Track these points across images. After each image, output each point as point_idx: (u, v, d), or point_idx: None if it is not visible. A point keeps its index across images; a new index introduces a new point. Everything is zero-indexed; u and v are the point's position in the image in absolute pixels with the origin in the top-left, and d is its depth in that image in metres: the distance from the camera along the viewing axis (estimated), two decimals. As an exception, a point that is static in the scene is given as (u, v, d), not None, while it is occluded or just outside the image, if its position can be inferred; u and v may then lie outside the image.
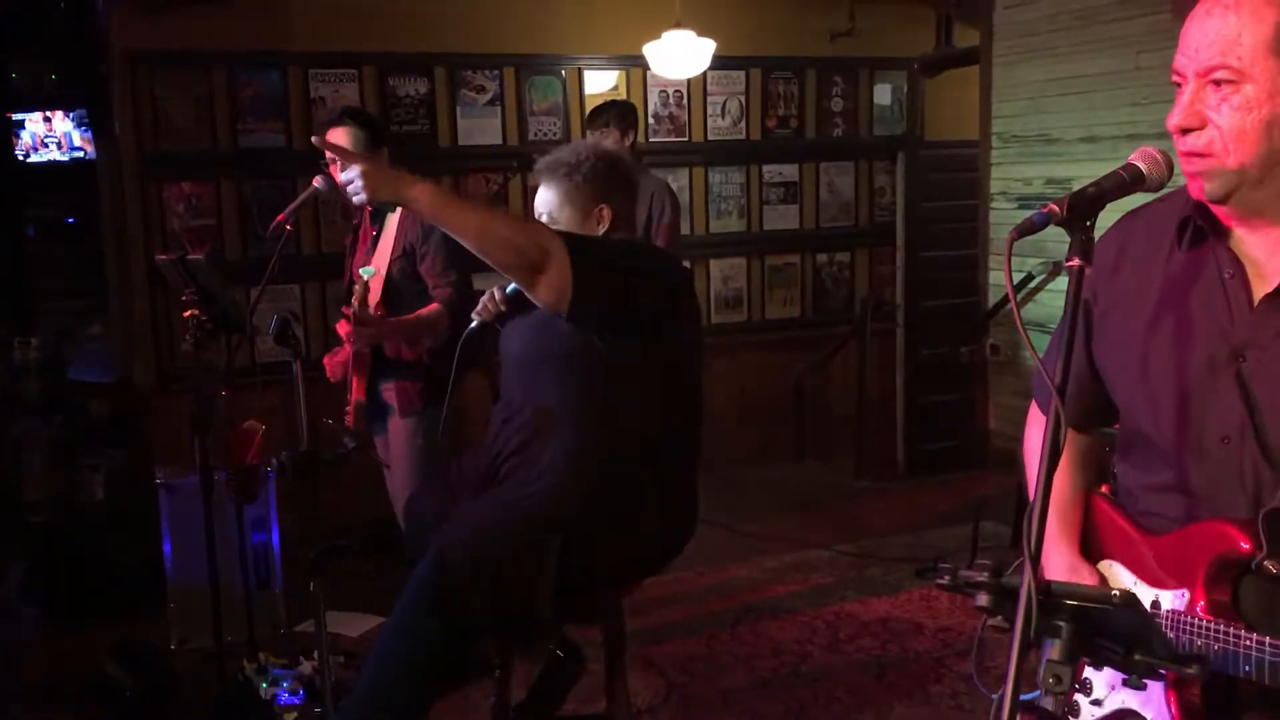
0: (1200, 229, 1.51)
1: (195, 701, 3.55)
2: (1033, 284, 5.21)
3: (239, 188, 5.21)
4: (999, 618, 1.34)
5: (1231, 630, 1.44)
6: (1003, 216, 5.37)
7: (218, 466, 3.39)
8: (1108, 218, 1.49)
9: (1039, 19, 5.04)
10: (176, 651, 3.94)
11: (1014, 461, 5.02)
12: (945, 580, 1.38)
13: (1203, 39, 1.40)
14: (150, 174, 5.07)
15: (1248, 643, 1.41)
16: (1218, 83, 1.39)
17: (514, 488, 2.58)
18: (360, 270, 3.36)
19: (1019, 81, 5.21)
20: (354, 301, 3.21)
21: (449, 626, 2.42)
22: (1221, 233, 1.51)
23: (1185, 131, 1.42)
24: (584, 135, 4.70)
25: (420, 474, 3.54)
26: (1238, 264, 1.49)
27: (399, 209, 3.60)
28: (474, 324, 2.75)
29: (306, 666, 3.57)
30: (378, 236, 3.65)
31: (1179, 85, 1.44)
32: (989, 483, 5.43)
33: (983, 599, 1.33)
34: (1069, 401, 1.68)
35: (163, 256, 3.42)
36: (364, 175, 2.30)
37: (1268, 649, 1.39)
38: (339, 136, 3.57)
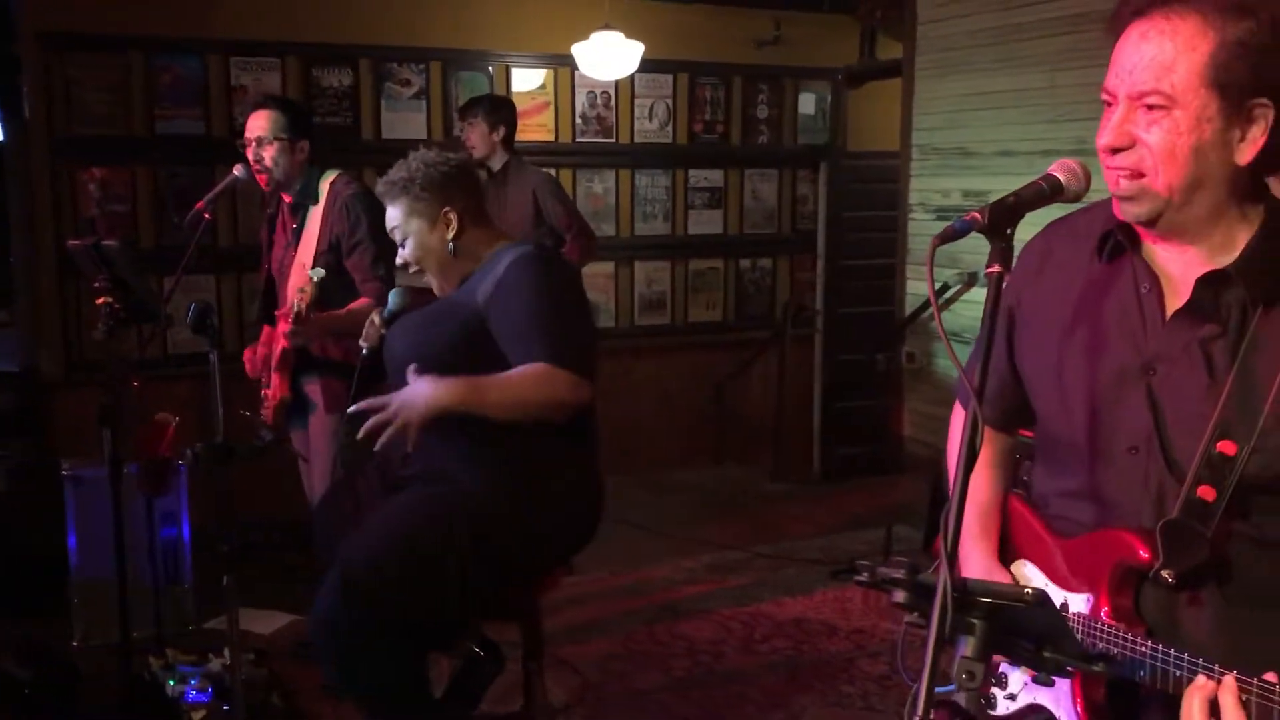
0: (1120, 243, 1.55)
1: (99, 699, 3.45)
2: (948, 294, 5.32)
3: (155, 175, 5.10)
4: (915, 614, 1.37)
5: (1131, 636, 1.48)
6: (920, 227, 5.48)
7: (128, 458, 3.30)
8: (1025, 227, 1.53)
9: (960, 34, 5.16)
10: (80, 648, 3.84)
11: (927, 467, 5.13)
12: (864, 578, 1.40)
13: (1137, 62, 1.42)
14: (62, 159, 4.94)
15: (1143, 649, 1.46)
16: (1149, 106, 1.42)
17: (417, 490, 2.58)
18: (309, 271, 3.30)
19: (939, 95, 5.32)
20: (298, 301, 3.15)
21: (374, 643, 2.43)
22: (1141, 247, 1.55)
23: (1114, 151, 1.45)
24: (487, 130, 4.68)
25: (338, 470, 3.50)
26: (1154, 278, 1.53)
27: (321, 200, 3.55)
28: (364, 350, 2.84)
29: (216, 664, 3.51)
30: (299, 229, 3.59)
31: (1108, 104, 1.46)
32: (902, 488, 5.53)
33: (900, 596, 1.36)
34: (991, 403, 1.73)
35: (75, 242, 3.33)
36: (399, 413, 2.34)
37: (1160, 656, 1.43)
38: (260, 120, 3.51)
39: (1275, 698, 1.27)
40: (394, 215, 2.63)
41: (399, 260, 2.69)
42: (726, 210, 6.42)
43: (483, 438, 2.52)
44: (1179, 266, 1.51)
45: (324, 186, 3.56)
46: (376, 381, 3.16)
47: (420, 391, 2.34)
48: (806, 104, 6.54)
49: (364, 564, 2.42)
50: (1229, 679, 1.32)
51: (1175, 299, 1.51)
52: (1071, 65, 4.54)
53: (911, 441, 5.66)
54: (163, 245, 5.05)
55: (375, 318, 2.78)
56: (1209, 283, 1.47)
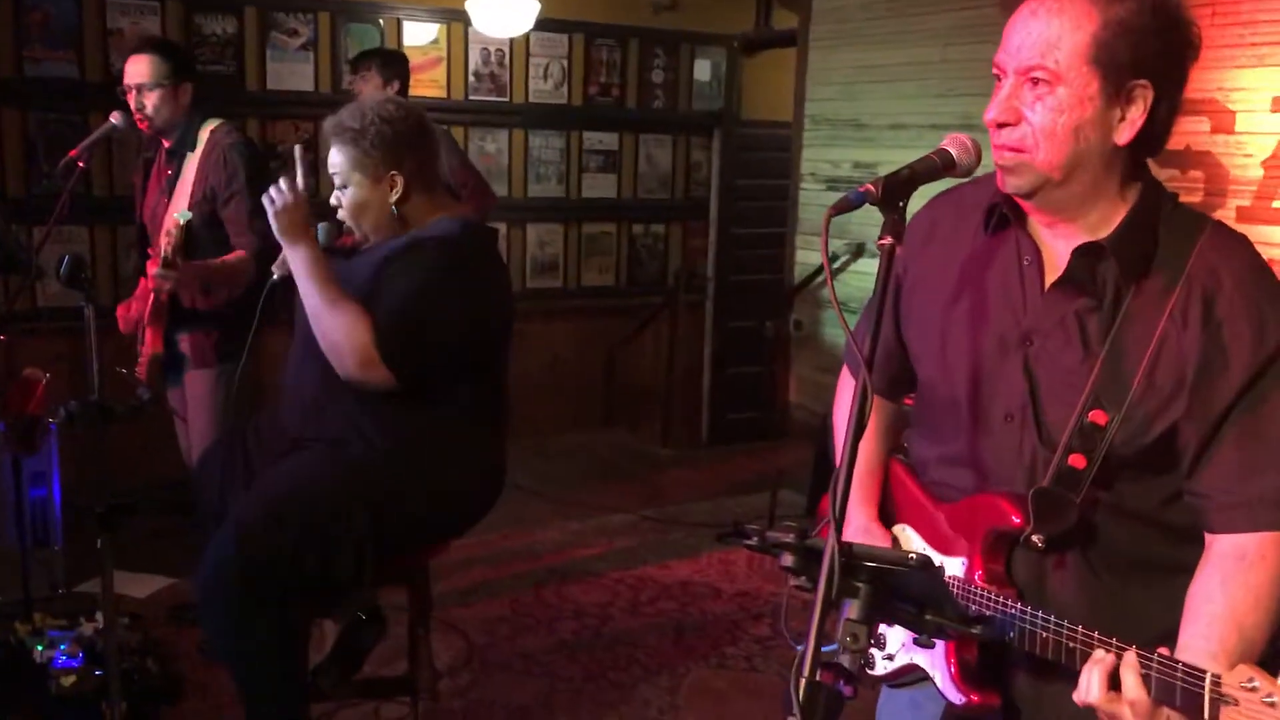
0: (1005, 216, 1.59)
1: (-39, 665, 3.32)
2: (836, 264, 5.40)
3: (24, 119, 4.85)
4: (802, 578, 1.39)
5: (1003, 598, 1.54)
6: (811, 197, 5.54)
7: (-5, 416, 3.17)
8: (915, 199, 1.56)
9: (854, 6, 5.20)
10: (-60, 612, 3.68)
11: (812, 432, 5.22)
12: (753, 541, 1.42)
13: (1025, 38, 1.45)
14: (-81, 98, 4.67)
15: (1013, 610, 1.51)
16: (1035, 81, 1.44)
17: (316, 451, 2.53)
18: (175, 214, 3.18)
19: (833, 66, 5.37)
20: (164, 245, 3.04)
21: (262, 605, 2.39)
22: (1024, 221, 1.59)
23: (1000, 126, 1.48)
24: (381, 83, 4.55)
25: (217, 427, 3.41)
26: (1036, 251, 1.57)
27: (199, 148, 3.43)
28: (274, 277, 2.74)
29: (87, 628, 3.40)
30: (174, 178, 3.47)
31: (998, 79, 1.49)
32: (787, 453, 5.62)
33: (788, 559, 1.38)
34: (877, 370, 1.76)
35: (-64, 189, 3.16)
36: (281, 212, 2.50)
37: (1027, 618, 1.49)
38: (141, 65, 3.37)
39: (1177, 673, 1.32)
40: (337, 160, 2.56)
41: (333, 200, 2.61)
42: (620, 174, 6.40)
43: (385, 407, 2.49)
44: (1058, 242, 1.55)
45: (204, 134, 3.44)
46: (273, 321, 3.09)
47: (295, 221, 2.51)
48: (702, 70, 6.54)
49: (260, 516, 2.36)
50: (1130, 654, 1.36)
51: (1055, 272, 1.55)
52: (962, 40, 4.62)
53: (797, 408, 5.75)
54: (32, 194, 4.81)
55: None
56: (1084, 254, 1.51)
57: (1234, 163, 3.68)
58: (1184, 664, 1.32)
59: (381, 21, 5.57)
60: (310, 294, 2.48)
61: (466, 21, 5.37)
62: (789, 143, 5.68)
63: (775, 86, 6.25)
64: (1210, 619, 1.44)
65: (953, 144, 1.49)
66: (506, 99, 5.96)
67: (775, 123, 6.16)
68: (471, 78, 5.83)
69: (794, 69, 5.60)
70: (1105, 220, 1.52)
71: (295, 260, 2.50)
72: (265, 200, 2.52)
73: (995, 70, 1.49)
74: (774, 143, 6.10)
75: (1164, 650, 1.35)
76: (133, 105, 3.40)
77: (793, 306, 5.67)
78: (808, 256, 5.56)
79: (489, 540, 4.44)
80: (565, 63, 6.10)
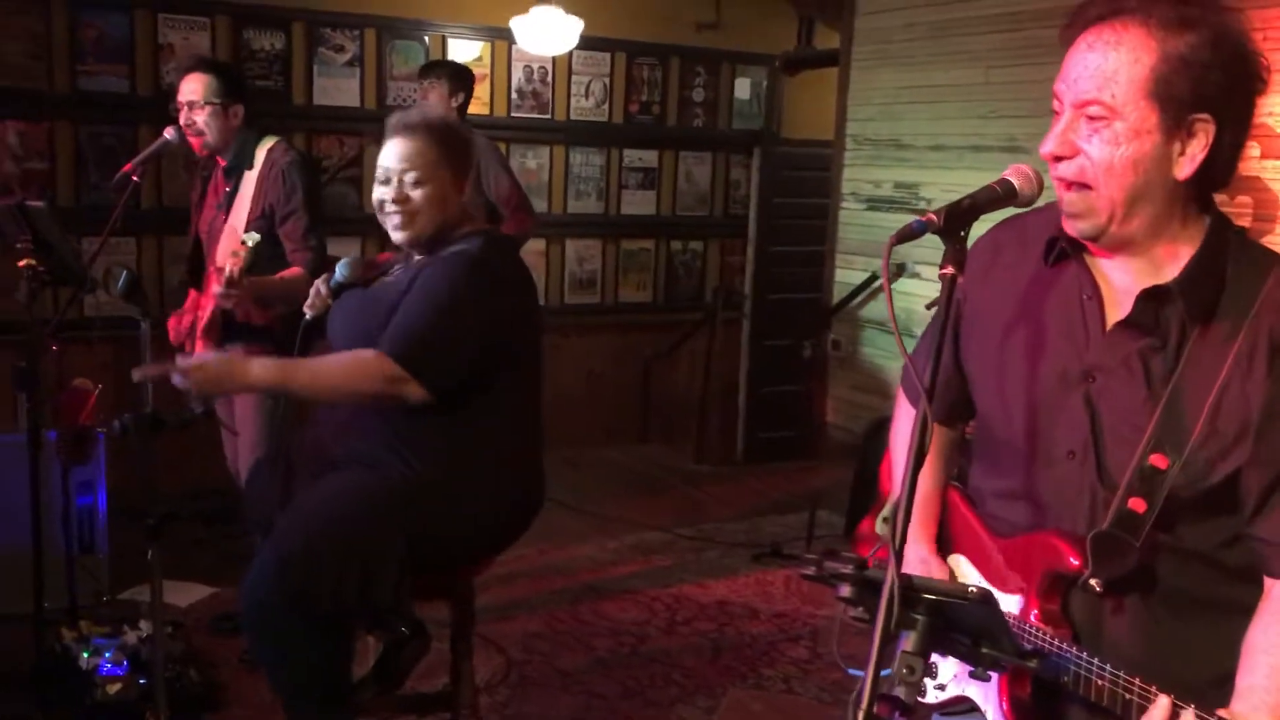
0: (1065, 249, 1.57)
1: (8, 671, 3.36)
2: (876, 284, 5.40)
3: (75, 132, 4.94)
4: (860, 609, 1.39)
5: (1058, 640, 1.52)
6: (852, 216, 5.54)
7: (46, 425, 3.21)
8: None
9: (897, 27, 5.21)
10: (-14, 618, 3.73)
11: (849, 453, 5.21)
12: (811, 571, 1.42)
13: (1082, 70, 1.44)
14: (-26, 111, 4.76)
15: (1068, 653, 1.50)
16: (1091, 116, 1.43)
17: (353, 471, 2.55)
18: (244, 237, 3.22)
19: (875, 86, 5.37)
20: (232, 265, 3.08)
21: (306, 623, 2.41)
22: (1085, 255, 1.56)
23: (1057, 159, 1.47)
24: (447, 94, 4.63)
25: (265, 439, 3.45)
26: (1095, 287, 1.55)
27: (257, 165, 3.48)
28: (307, 317, 2.76)
29: (131, 636, 3.43)
30: (232, 194, 3.52)
31: (1057, 112, 1.48)
32: (824, 473, 5.62)
33: (846, 590, 1.38)
34: (935, 396, 1.76)
35: (-2, 201, 3.22)
36: (193, 373, 2.41)
37: (1083, 663, 1.47)
38: (194, 83, 3.43)
39: None
40: (410, 152, 2.54)
41: (376, 195, 2.58)
42: (660, 191, 6.42)
43: (421, 426, 2.51)
44: (1121, 277, 1.53)
45: (260, 153, 3.50)
46: (310, 347, 3.13)
47: (232, 365, 2.44)
48: (743, 89, 6.56)
49: (300, 543, 2.39)
50: (1189, 714, 1.35)
51: (1115, 309, 1.53)
52: (1006, 63, 4.61)
53: (834, 428, 5.74)
54: (82, 205, 4.90)
55: (322, 287, 2.71)
56: (1149, 298, 1.48)
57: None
58: None
59: (427, 39, 5.62)
60: (304, 387, 2.51)
61: (511, 40, 5.41)
62: (828, 162, 5.68)
63: (815, 106, 6.26)
64: (1270, 670, 1.42)
65: (1015, 174, 1.47)
66: (548, 116, 6.00)
67: (815, 142, 6.16)
68: (514, 95, 5.88)
69: (834, 88, 5.61)
70: (1170, 256, 1.49)
71: (263, 386, 2.58)
72: (175, 379, 2.42)
73: (1054, 102, 1.48)
74: (813, 162, 6.09)
75: (1223, 712, 1.33)
76: (183, 122, 3.45)
77: (831, 326, 5.66)
78: (847, 276, 5.55)
79: (525, 555, 4.45)
80: (607, 80, 6.13)
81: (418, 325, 2.46)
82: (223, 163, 3.55)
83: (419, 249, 2.62)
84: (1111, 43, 1.42)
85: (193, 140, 3.47)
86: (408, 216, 2.55)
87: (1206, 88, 1.40)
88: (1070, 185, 1.47)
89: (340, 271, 2.68)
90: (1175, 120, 1.41)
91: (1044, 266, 1.60)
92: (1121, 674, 1.43)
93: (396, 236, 2.59)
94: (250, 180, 3.48)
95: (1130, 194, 1.44)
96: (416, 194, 2.54)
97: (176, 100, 3.47)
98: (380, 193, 2.57)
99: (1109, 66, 1.41)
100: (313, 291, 2.74)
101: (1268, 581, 1.49)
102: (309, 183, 3.48)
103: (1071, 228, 1.50)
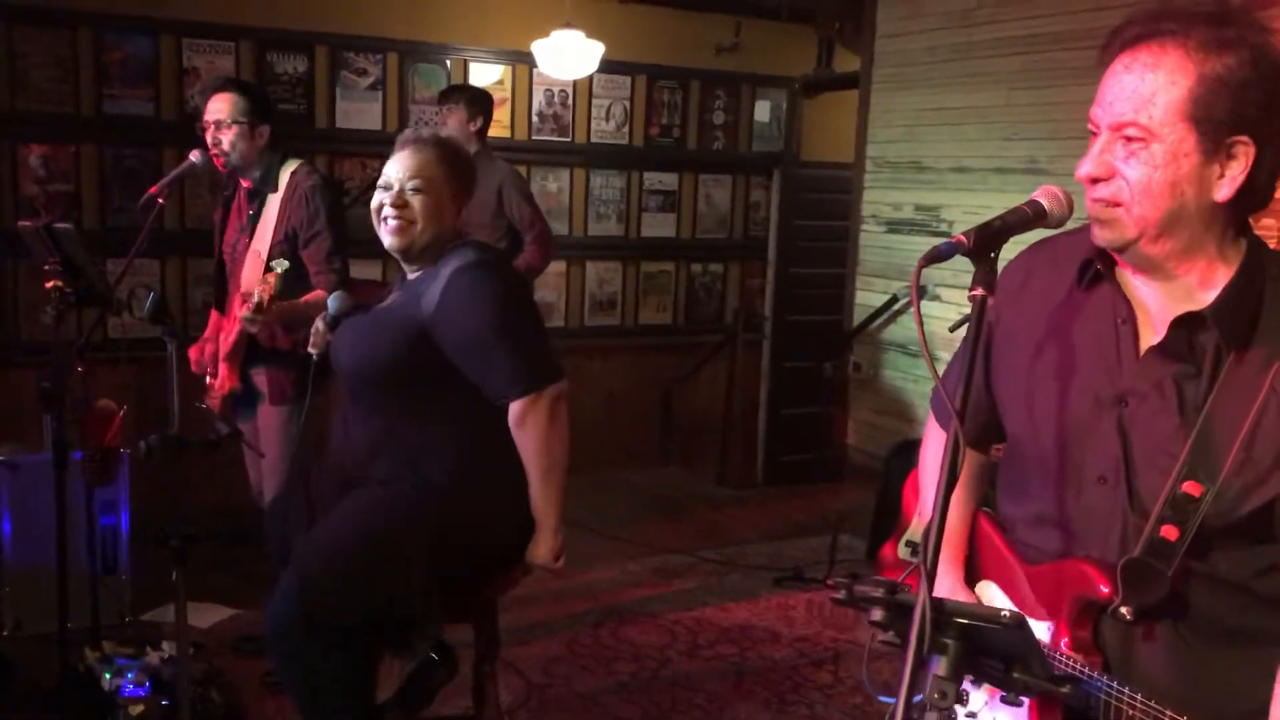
0: (1099, 272, 1.56)
1: (32, 690, 3.37)
2: (897, 306, 5.38)
3: (101, 154, 4.98)
4: (890, 633, 1.38)
5: (1088, 668, 1.50)
6: (872, 239, 5.54)
7: (73, 446, 3.22)
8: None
9: (918, 50, 5.21)
10: (10, 637, 3.74)
11: (870, 476, 5.18)
12: (841, 595, 1.41)
13: (1119, 93, 1.43)
14: (4, 134, 4.80)
15: (1099, 681, 1.48)
16: (1128, 138, 1.42)
17: (372, 490, 2.56)
18: (274, 263, 3.24)
19: (895, 109, 5.37)
20: (261, 291, 3.10)
21: (330, 645, 2.41)
22: (1120, 278, 1.55)
23: (1094, 181, 1.46)
24: (465, 118, 4.69)
25: (288, 461, 3.46)
26: (1131, 311, 1.53)
27: (281, 188, 3.49)
28: (314, 356, 2.83)
29: (154, 657, 3.43)
30: (255, 216, 3.54)
31: (1093, 134, 1.47)
32: (845, 496, 5.59)
33: (877, 614, 1.36)
34: (966, 417, 1.75)
35: (26, 223, 3.24)
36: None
37: (1114, 691, 1.46)
38: (221, 102, 3.46)
39: None
40: (416, 164, 2.58)
41: (376, 201, 2.62)
42: (680, 214, 6.43)
43: (441, 437, 2.52)
44: (1155, 301, 1.52)
45: (285, 175, 3.51)
46: (326, 378, 3.14)
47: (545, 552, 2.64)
48: (762, 111, 6.58)
49: (320, 565, 2.39)
50: None
51: (1150, 333, 1.52)
52: (1027, 85, 4.61)
53: (855, 451, 5.71)
54: (107, 226, 4.93)
55: (320, 325, 2.77)
56: (1183, 324, 1.47)
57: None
58: None
59: (449, 62, 5.66)
60: (557, 498, 2.63)
61: (532, 63, 5.44)
62: (848, 184, 5.68)
63: (835, 128, 6.27)
64: None
65: (1045, 195, 1.46)
66: (569, 139, 6.02)
67: (835, 164, 6.17)
68: (535, 118, 5.91)
69: (854, 110, 5.61)
70: (1205, 280, 1.48)
71: (557, 531, 2.65)
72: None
73: (1090, 125, 1.47)
74: (833, 184, 6.10)
75: None
76: (209, 141, 3.47)
77: (852, 348, 5.65)
78: (867, 298, 5.54)
79: (545, 579, 4.38)
80: (627, 104, 6.16)
81: (519, 346, 2.54)
82: (246, 184, 3.57)
83: (408, 260, 2.64)
84: (1149, 64, 1.41)
85: (217, 160, 3.49)
86: (404, 223, 2.58)
87: (1246, 109, 1.39)
88: (1107, 204, 1.46)
89: (333, 305, 2.72)
90: (1214, 142, 1.40)
91: (1076, 289, 1.59)
92: (1153, 703, 1.41)
93: (389, 242, 2.61)
94: (274, 203, 3.50)
95: (1166, 216, 1.43)
96: (416, 201, 2.58)
97: (203, 120, 3.49)
98: (379, 197, 2.60)
99: (1146, 89, 1.40)
100: (313, 331, 2.81)
101: None
102: (332, 205, 3.49)
103: (1101, 237, 1.49)
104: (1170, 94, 1.40)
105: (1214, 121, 1.39)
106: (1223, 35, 1.40)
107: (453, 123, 4.67)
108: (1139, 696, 1.43)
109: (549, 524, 2.59)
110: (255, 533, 3.72)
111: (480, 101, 4.76)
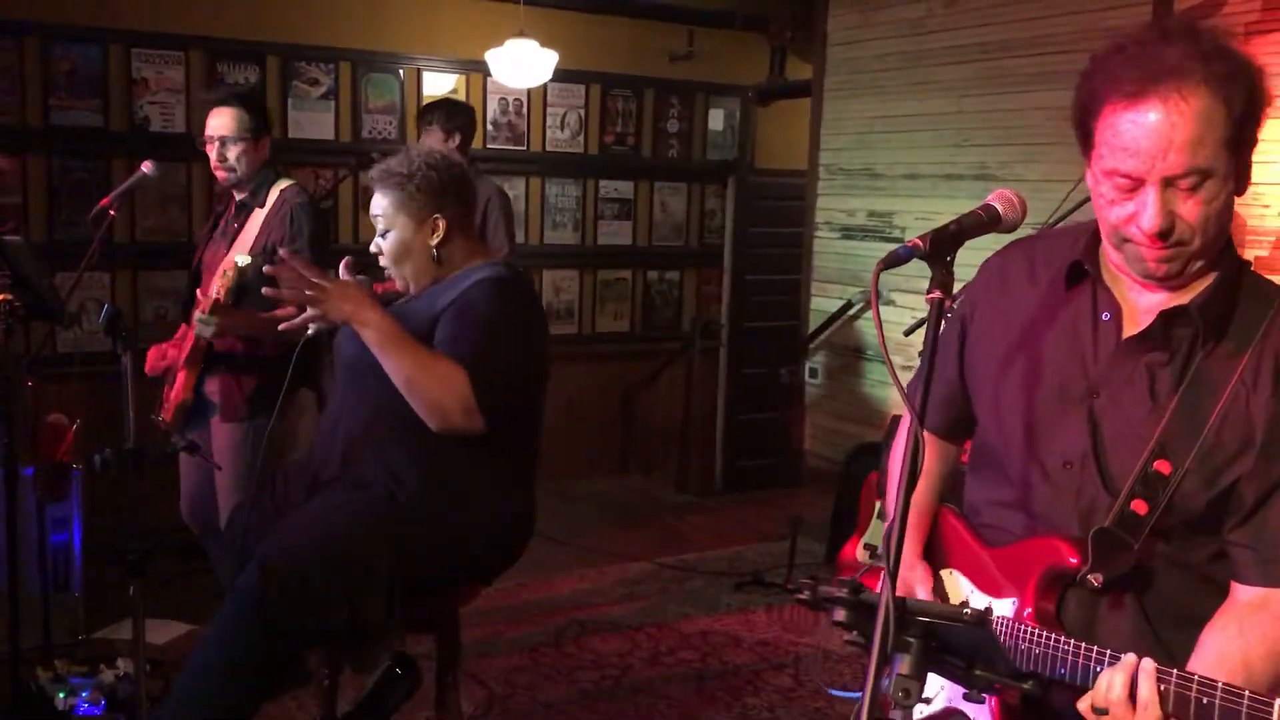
0: (1085, 271, 1.61)
1: (-19, 712, 3.31)
2: (852, 311, 5.44)
3: (49, 166, 4.91)
4: (854, 633, 1.40)
5: (1051, 637, 1.55)
6: (826, 245, 5.59)
7: (23, 462, 3.17)
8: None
9: (869, 58, 5.27)
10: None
11: (827, 480, 5.22)
12: (805, 596, 1.42)
13: (1160, 143, 1.42)
14: (-55, 145, 4.73)
15: (1064, 648, 1.52)
16: (1189, 187, 1.44)
17: (343, 492, 2.54)
18: (235, 257, 3.20)
19: (847, 116, 5.43)
20: (217, 286, 3.06)
21: (273, 636, 2.37)
22: (1109, 279, 1.61)
23: (1163, 235, 1.46)
24: (419, 135, 4.65)
25: (243, 484, 3.37)
26: (1117, 307, 1.60)
27: (269, 203, 3.46)
28: (309, 333, 2.70)
29: (108, 674, 3.39)
30: (239, 229, 3.50)
31: (1128, 188, 1.47)
32: (803, 500, 5.62)
33: (841, 614, 1.38)
34: (938, 409, 1.80)
35: (-28, 236, 3.18)
36: (328, 294, 2.44)
37: (1081, 653, 1.51)
38: (225, 118, 3.42)
39: (1192, 688, 1.36)
40: (382, 204, 2.61)
41: (372, 249, 2.65)
42: (636, 222, 6.45)
43: (415, 448, 2.50)
44: (1145, 299, 1.58)
45: (274, 192, 3.48)
46: (305, 381, 3.10)
47: (355, 298, 2.44)
48: (716, 120, 6.61)
49: (285, 559, 2.36)
50: (1148, 662, 1.40)
51: (1133, 327, 1.58)
52: (978, 91, 4.68)
53: (812, 455, 5.76)
54: (55, 239, 4.86)
55: (345, 271, 2.72)
56: (1170, 317, 1.54)
57: (1251, 213, 3.71)
58: (1250, 692, 1.33)
59: (402, 72, 5.64)
60: (397, 364, 2.43)
61: (486, 72, 5.43)
62: (802, 191, 5.73)
63: (788, 136, 6.31)
64: (1220, 656, 1.47)
65: (999, 200, 1.51)
66: (524, 148, 6.02)
67: (789, 171, 6.21)
68: (490, 127, 5.90)
69: (807, 118, 5.67)
70: (1194, 280, 1.54)
71: (370, 335, 2.43)
72: (314, 293, 2.45)
73: (1120, 179, 1.47)
74: (787, 191, 6.14)
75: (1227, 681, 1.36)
76: (214, 157, 3.43)
77: (807, 353, 5.69)
78: (822, 304, 5.59)
79: (507, 589, 4.42)
80: (582, 112, 6.17)
81: (479, 362, 2.45)
82: (236, 198, 3.53)
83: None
84: (1181, 109, 1.41)
85: (220, 175, 3.46)
86: (391, 266, 2.65)
87: (1255, 125, 1.48)
88: (1176, 246, 1.48)
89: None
90: (1241, 162, 1.48)
91: (1056, 289, 1.64)
92: (1109, 652, 1.47)
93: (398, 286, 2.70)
94: (258, 217, 3.45)
95: (1221, 238, 1.51)
96: (387, 243, 2.63)
97: (205, 135, 3.45)
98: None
99: (1193, 132, 1.42)
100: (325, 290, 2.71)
101: (1233, 585, 1.54)
102: (315, 227, 3.46)
103: (1159, 271, 1.51)
104: (1214, 133, 1.42)
105: (1243, 142, 1.47)
106: (1230, 66, 1.44)
107: (430, 143, 4.61)
108: (1108, 652, 1.47)
109: (383, 334, 2.45)
110: (198, 550, 3.69)
111: (456, 116, 4.65)
